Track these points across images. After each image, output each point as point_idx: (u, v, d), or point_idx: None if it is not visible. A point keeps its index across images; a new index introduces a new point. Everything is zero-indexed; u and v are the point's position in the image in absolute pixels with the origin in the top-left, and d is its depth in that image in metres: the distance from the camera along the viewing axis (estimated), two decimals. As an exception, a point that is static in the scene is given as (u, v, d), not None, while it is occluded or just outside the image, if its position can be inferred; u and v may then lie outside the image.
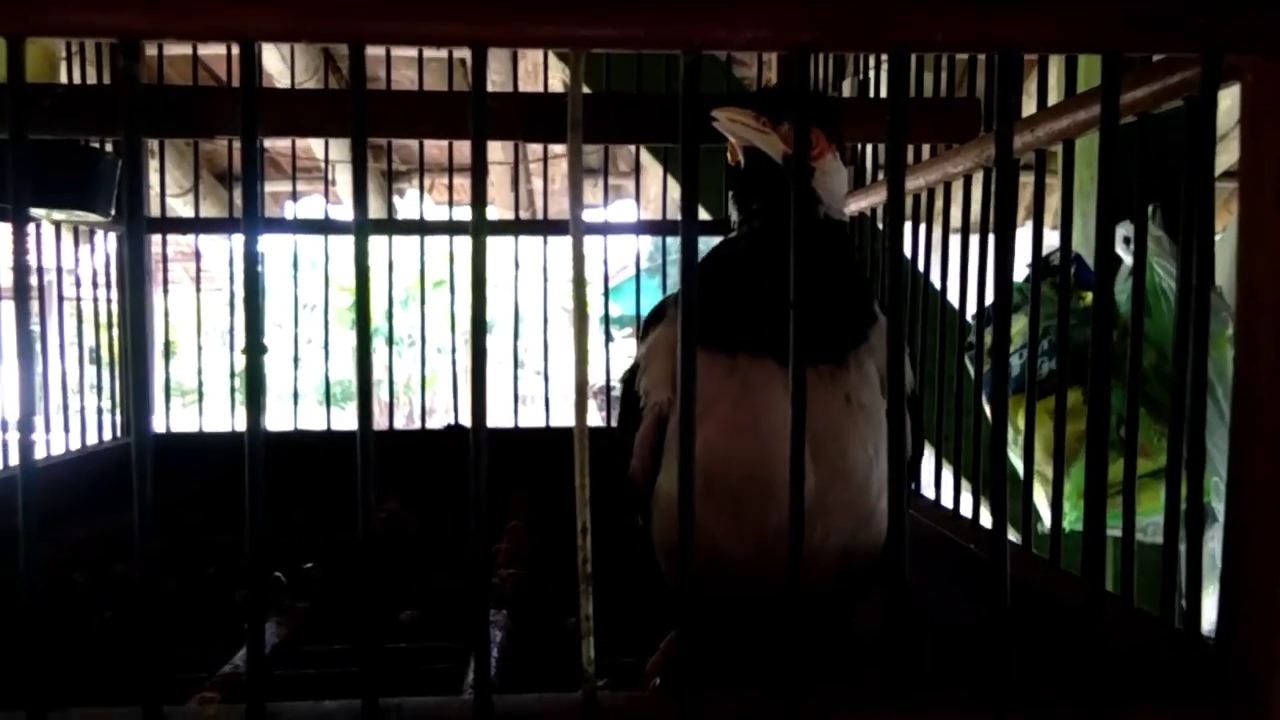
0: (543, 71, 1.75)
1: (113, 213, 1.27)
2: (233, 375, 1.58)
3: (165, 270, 1.72)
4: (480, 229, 0.50)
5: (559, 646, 0.90)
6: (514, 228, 1.62)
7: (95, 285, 1.50)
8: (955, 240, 1.11)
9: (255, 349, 0.48)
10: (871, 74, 1.34)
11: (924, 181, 1.07)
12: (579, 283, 0.54)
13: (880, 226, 1.26)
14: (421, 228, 1.57)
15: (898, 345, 0.49)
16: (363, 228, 0.50)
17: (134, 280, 0.48)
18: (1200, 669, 0.54)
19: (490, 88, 0.53)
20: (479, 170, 0.50)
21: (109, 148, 1.30)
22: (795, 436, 0.49)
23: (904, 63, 0.47)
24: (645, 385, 0.78)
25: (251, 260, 0.46)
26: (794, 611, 0.52)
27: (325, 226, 1.58)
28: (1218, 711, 0.52)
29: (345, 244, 1.59)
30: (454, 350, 1.63)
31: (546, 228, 1.60)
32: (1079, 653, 0.53)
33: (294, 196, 2.15)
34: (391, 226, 1.60)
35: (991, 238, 0.89)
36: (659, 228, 1.62)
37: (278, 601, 0.95)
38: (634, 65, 1.45)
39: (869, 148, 1.32)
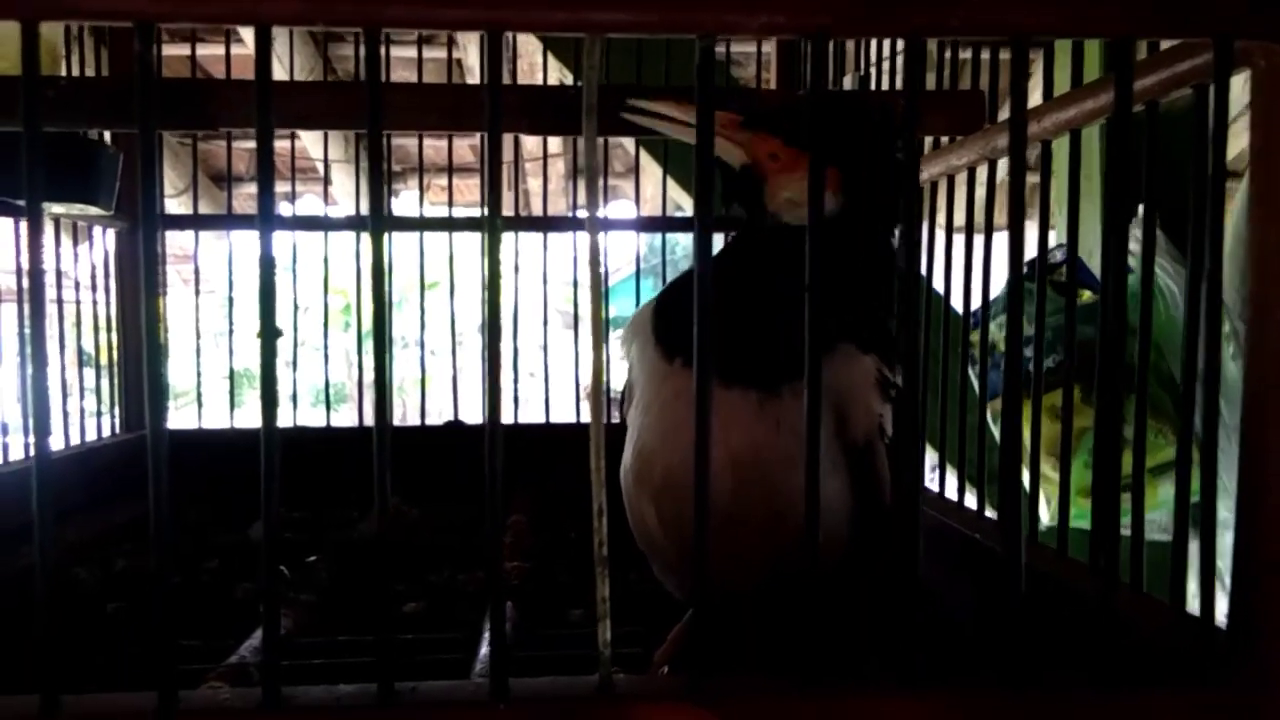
0: (541, 72, 1.75)
1: (114, 207, 1.27)
2: (231, 377, 1.57)
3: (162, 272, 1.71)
4: (496, 210, 0.51)
5: (566, 638, 0.89)
6: (513, 224, 1.60)
7: (94, 288, 1.49)
8: (954, 235, 1.11)
9: (269, 333, 0.48)
10: (872, 70, 1.34)
11: (927, 174, 1.08)
12: (595, 264, 0.54)
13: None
14: (421, 224, 1.56)
15: (912, 387, 0.49)
16: (378, 221, 0.50)
17: (148, 267, 0.48)
18: (1212, 655, 0.54)
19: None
20: (494, 157, 0.50)
21: (109, 139, 1.30)
22: (810, 449, 0.49)
23: (920, 49, 0.47)
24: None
25: (267, 253, 0.46)
26: (810, 600, 0.52)
27: (326, 223, 1.58)
28: (1230, 694, 0.52)
29: (341, 247, 1.57)
30: (453, 351, 1.62)
31: (546, 224, 1.60)
32: (1092, 639, 0.54)
33: (291, 198, 2.15)
34: (391, 221, 1.59)
35: (1002, 235, 0.89)
36: (659, 224, 1.62)
37: (282, 594, 0.95)
38: (633, 59, 1.44)
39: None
